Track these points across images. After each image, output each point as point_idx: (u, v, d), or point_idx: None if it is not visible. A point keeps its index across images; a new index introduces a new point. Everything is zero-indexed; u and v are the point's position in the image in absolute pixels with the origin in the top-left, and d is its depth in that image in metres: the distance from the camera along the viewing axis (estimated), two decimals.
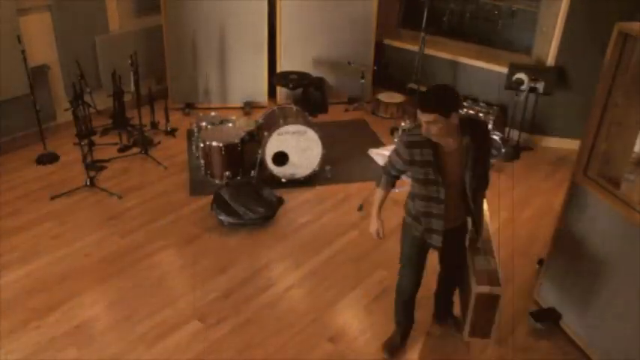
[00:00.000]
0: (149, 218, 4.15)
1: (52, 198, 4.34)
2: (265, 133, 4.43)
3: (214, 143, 4.46)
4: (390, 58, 6.39)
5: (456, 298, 3.16)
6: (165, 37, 5.66)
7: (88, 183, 4.48)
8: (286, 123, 4.40)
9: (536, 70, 5.05)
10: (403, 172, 2.70)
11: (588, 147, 2.94)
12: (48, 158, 4.90)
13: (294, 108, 4.71)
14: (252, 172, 4.58)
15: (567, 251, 3.14)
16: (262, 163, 4.50)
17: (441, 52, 5.92)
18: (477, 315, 2.71)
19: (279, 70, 5.91)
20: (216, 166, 4.55)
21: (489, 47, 5.92)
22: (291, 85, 5.19)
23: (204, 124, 4.80)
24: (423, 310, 3.24)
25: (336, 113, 5.92)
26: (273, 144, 4.44)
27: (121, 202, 4.34)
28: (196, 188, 4.55)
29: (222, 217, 4.03)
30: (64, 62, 5.18)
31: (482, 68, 5.65)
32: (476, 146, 2.48)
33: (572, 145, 5.33)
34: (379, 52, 6.27)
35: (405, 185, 4.52)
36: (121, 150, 5.08)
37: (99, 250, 3.80)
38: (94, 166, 4.70)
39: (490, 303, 2.67)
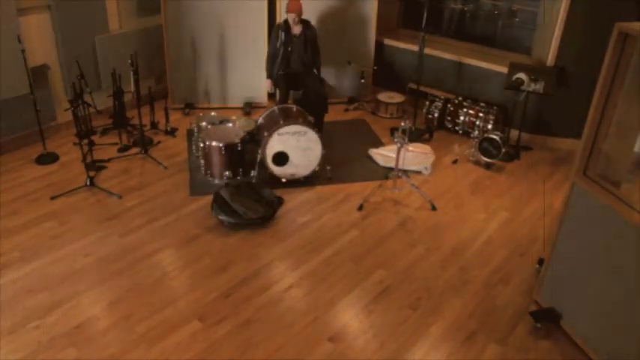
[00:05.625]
0: (149, 218, 4.15)
1: (52, 198, 4.34)
2: (265, 133, 4.43)
3: (214, 143, 4.46)
4: (390, 58, 6.39)
5: None
6: (165, 37, 5.66)
7: (88, 183, 4.48)
8: (286, 123, 4.40)
9: (536, 70, 5.05)
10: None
11: (588, 147, 2.94)
12: (48, 158, 4.90)
13: (295, 108, 4.71)
14: (252, 172, 4.58)
15: (567, 251, 3.14)
16: (262, 163, 4.50)
17: (441, 52, 5.92)
18: None
19: None
20: (216, 166, 4.55)
21: (489, 47, 5.92)
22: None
23: (204, 124, 4.80)
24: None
25: (336, 113, 5.92)
26: (273, 144, 4.45)
27: (121, 202, 4.34)
28: (196, 188, 4.55)
29: (222, 217, 4.03)
30: (64, 62, 5.18)
31: (482, 68, 5.65)
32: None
33: (572, 145, 5.34)
34: (379, 52, 6.28)
35: (405, 185, 4.54)
36: (120, 150, 5.08)
37: (99, 250, 3.80)
38: (94, 166, 4.70)
39: None
